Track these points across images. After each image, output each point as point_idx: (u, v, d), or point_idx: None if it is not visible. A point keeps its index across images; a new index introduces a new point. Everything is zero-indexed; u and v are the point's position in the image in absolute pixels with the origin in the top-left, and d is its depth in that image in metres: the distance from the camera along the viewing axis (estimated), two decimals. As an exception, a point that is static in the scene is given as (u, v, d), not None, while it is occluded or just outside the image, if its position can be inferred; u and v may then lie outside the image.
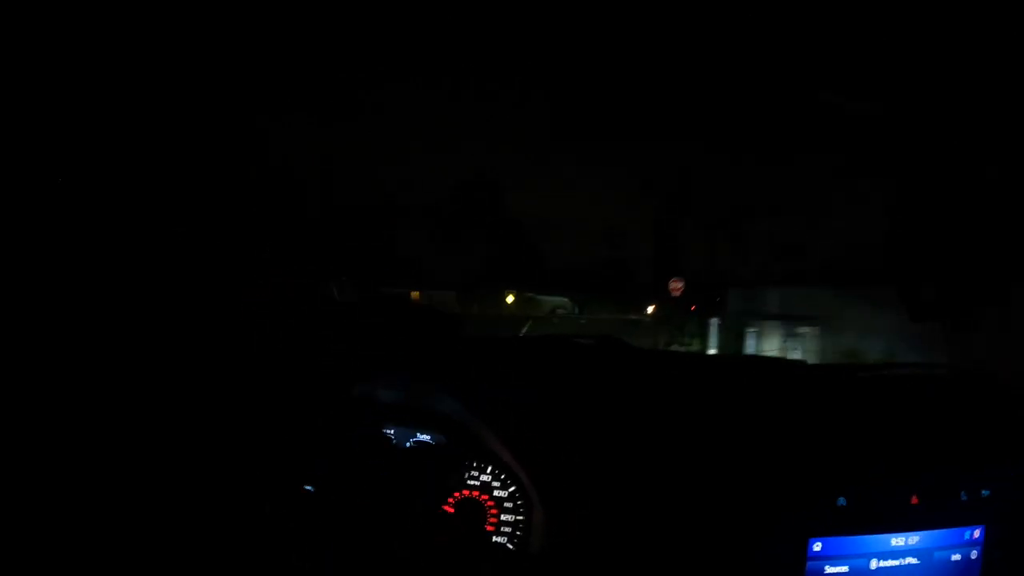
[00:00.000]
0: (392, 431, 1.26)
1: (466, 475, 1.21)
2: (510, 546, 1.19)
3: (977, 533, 1.17)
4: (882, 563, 1.10)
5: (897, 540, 1.10)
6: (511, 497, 1.20)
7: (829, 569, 1.06)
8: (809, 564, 1.05)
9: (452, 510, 1.20)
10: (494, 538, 1.19)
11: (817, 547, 1.05)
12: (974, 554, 1.17)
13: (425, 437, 1.25)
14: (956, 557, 1.15)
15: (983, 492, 1.16)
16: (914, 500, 1.10)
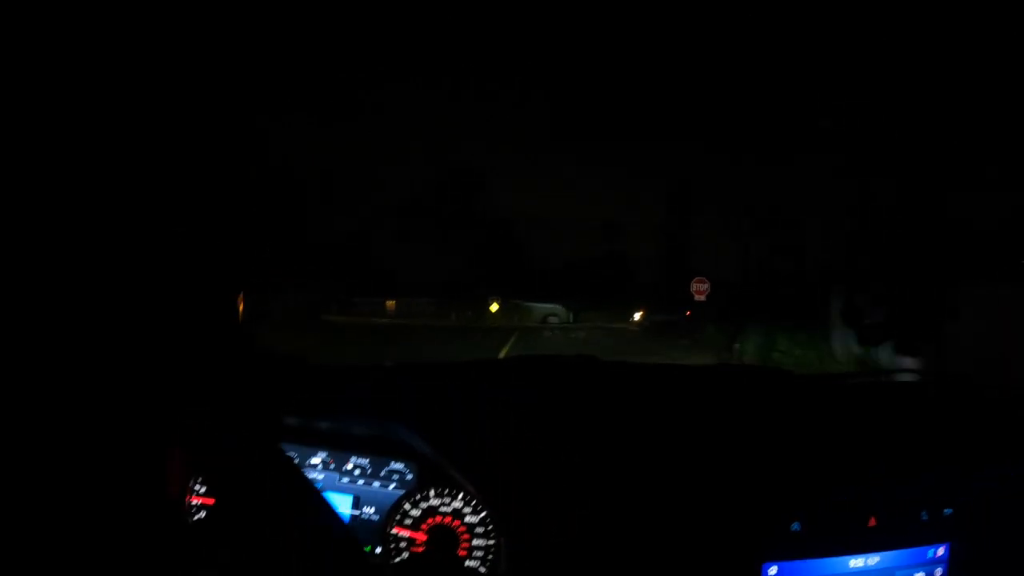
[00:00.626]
0: (367, 460, 1.30)
1: (439, 502, 1.25)
2: (482, 570, 1.23)
3: (941, 551, 1.18)
4: (841, 585, 1.11)
5: (856, 562, 1.12)
6: (482, 522, 1.23)
7: (786, 592, 1.08)
8: (764, 588, 1.07)
9: (425, 536, 1.24)
10: (467, 563, 1.23)
11: (772, 572, 1.07)
12: (938, 572, 1.18)
13: (399, 466, 1.29)
14: (920, 575, 1.17)
15: (945, 511, 1.17)
16: (871, 522, 1.12)
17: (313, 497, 0.96)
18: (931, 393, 1.39)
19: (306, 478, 0.99)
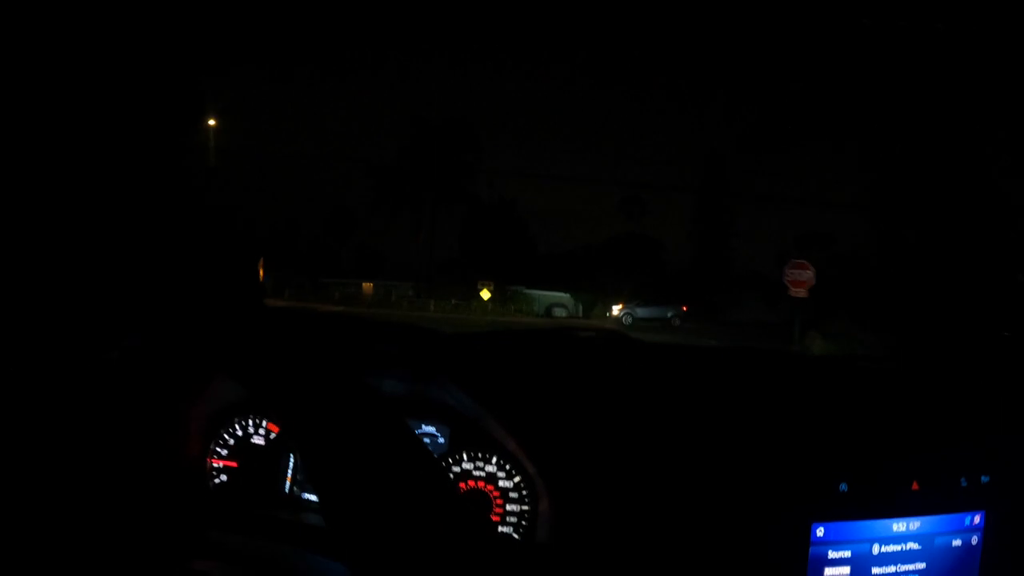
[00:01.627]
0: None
1: (472, 466, 1.23)
2: (516, 536, 1.20)
3: (977, 519, 1.18)
4: (884, 548, 1.11)
5: (899, 525, 1.12)
6: (516, 487, 1.21)
7: (832, 554, 1.08)
8: (812, 549, 1.06)
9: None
10: (500, 528, 1.21)
11: (820, 532, 1.06)
12: (974, 539, 1.18)
13: (430, 428, 1.26)
14: (957, 542, 1.17)
15: (983, 478, 1.17)
16: (915, 486, 1.12)
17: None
18: (969, 367, 1.40)
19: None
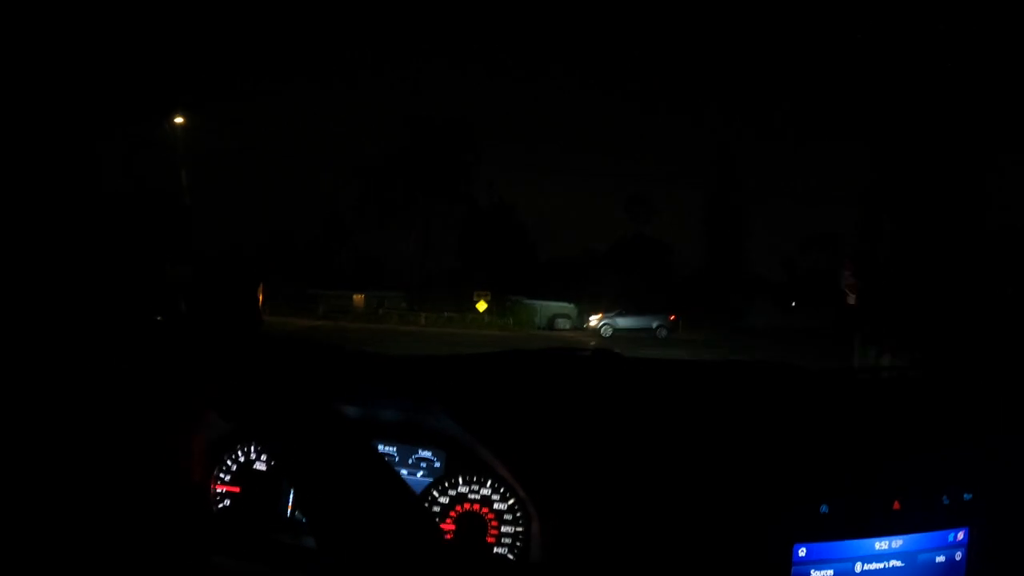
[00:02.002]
0: (394, 448, 1.31)
1: (467, 489, 1.27)
2: (511, 557, 1.24)
3: (961, 535, 1.20)
4: (867, 566, 1.14)
5: (881, 544, 1.14)
6: (511, 509, 1.25)
7: (814, 573, 1.10)
8: (794, 569, 1.09)
9: (454, 524, 1.25)
10: (495, 550, 1.24)
11: (802, 552, 1.09)
12: (958, 555, 1.21)
13: (427, 453, 1.30)
14: (940, 559, 1.19)
15: (965, 495, 1.20)
16: (896, 505, 1.14)
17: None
18: (946, 383, 1.42)
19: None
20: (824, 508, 1.10)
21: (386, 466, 0.93)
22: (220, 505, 1.35)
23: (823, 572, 1.11)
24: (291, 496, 1.34)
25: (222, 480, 1.35)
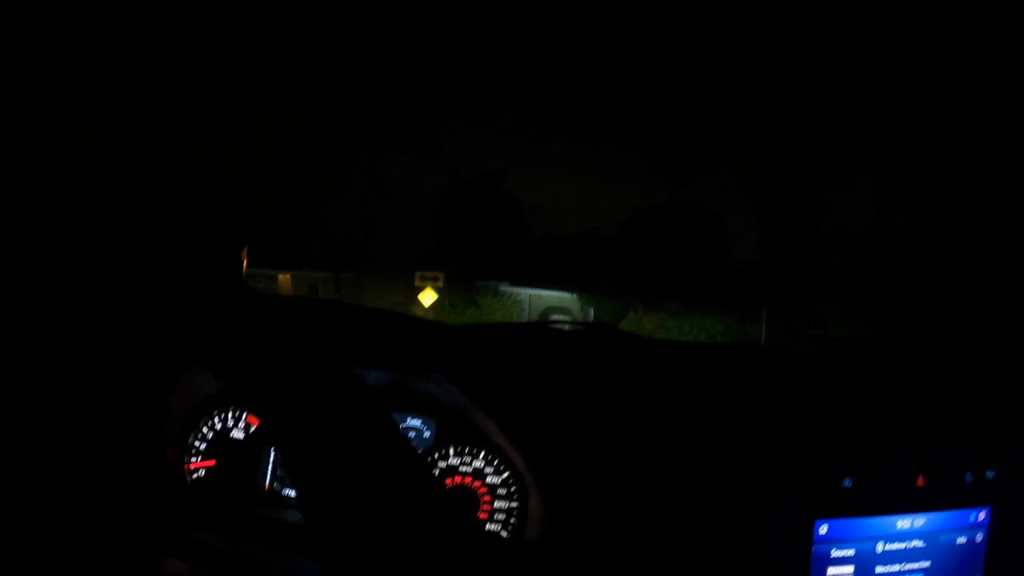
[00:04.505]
0: (381, 416, 1.22)
1: (459, 461, 1.18)
2: (504, 534, 1.15)
3: (982, 516, 1.15)
4: (888, 546, 1.07)
5: (903, 523, 1.08)
6: (505, 483, 1.16)
7: (835, 552, 1.04)
8: (815, 547, 1.02)
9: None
10: (487, 526, 1.16)
11: (823, 530, 1.02)
12: (979, 537, 1.15)
13: (416, 422, 1.21)
14: (961, 540, 1.13)
15: (988, 474, 1.14)
16: (920, 481, 1.08)
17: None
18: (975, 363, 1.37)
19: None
20: (847, 482, 1.03)
21: (402, 439, 0.84)
22: (195, 476, 1.25)
23: (844, 551, 1.04)
24: (270, 467, 1.25)
25: (197, 449, 1.25)
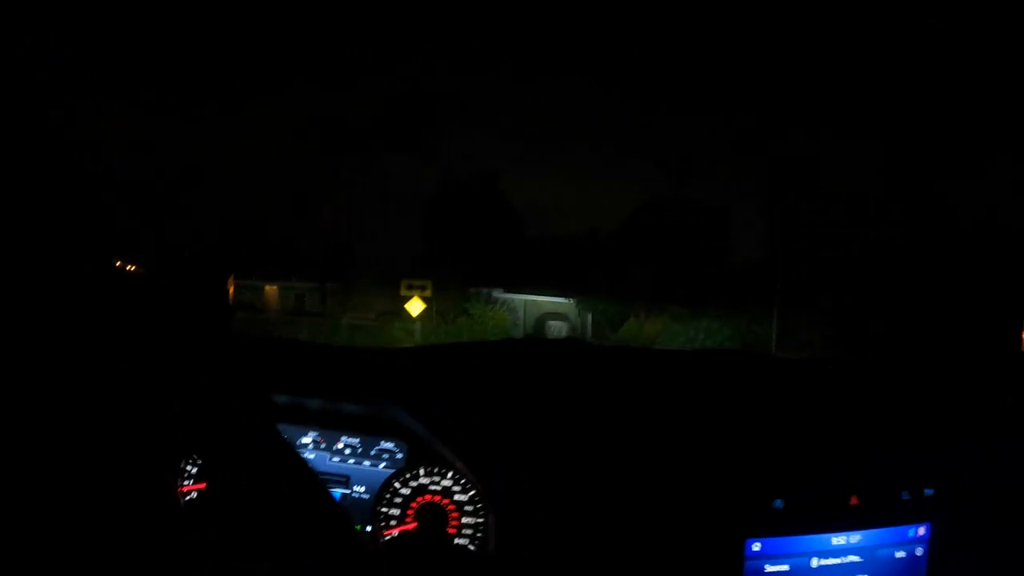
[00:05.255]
0: (357, 440, 1.31)
1: (428, 480, 1.27)
2: (471, 547, 1.24)
3: (922, 531, 1.19)
4: (823, 561, 1.13)
5: (838, 539, 1.14)
6: (471, 500, 1.25)
7: (769, 568, 1.10)
8: (748, 563, 1.09)
9: (415, 515, 1.25)
10: (456, 540, 1.25)
11: (756, 547, 1.09)
12: (919, 551, 1.20)
13: (389, 445, 1.31)
14: (900, 554, 1.19)
15: (926, 491, 1.19)
16: (853, 500, 1.14)
17: (307, 475, 0.97)
18: (904, 374, 1.42)
19: (300, 456, 1.00)
20: (778, 503, 1.10)
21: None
22: (187, 499, 1.35)
23: (778, 567, 1.11)
24: None
25: (189, 473, 1.35)
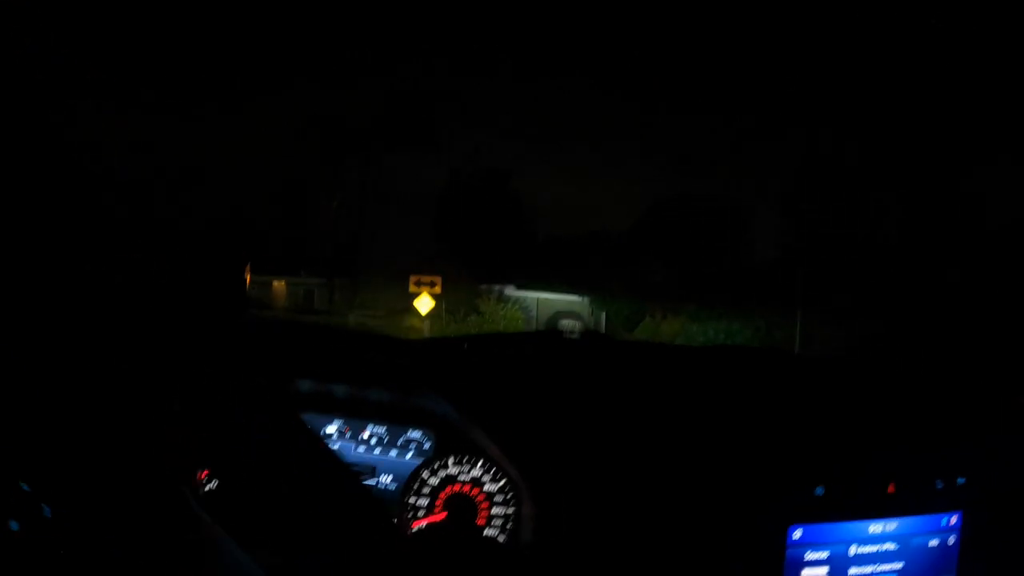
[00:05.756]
0: (383, 428, 1.29)
1: (457, 470, 1.25)
2: (501, 539, 1.22)
3: (954, 520, 1.20)
4: (860, 549, 1.13)
5: (875, 527, 1.14)
6: (501, 490, 1.23)
7: (809, 555, 1.10)
8: (789, 551, 1.08)
9: (443, 505, 1.23)
10: (485, 531, 1.23)
11: (797, 534, 1.09)
12: (951, 540, 1.20)
13: (416, 434, 1.28)
14: (933, 543, 1.19)
15: (959, 480, 1.20)
16: (891, 489, 1.14)
17: (329, 466, 0.93)
18: (940, 368, 1.42)
19: (324, 447, 0.97)
20: (819, 490, 1.09)
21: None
22: (207, 489, 1.32)
23: (818, 554, 1.10)
24: None
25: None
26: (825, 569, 1.11)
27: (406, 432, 1.28)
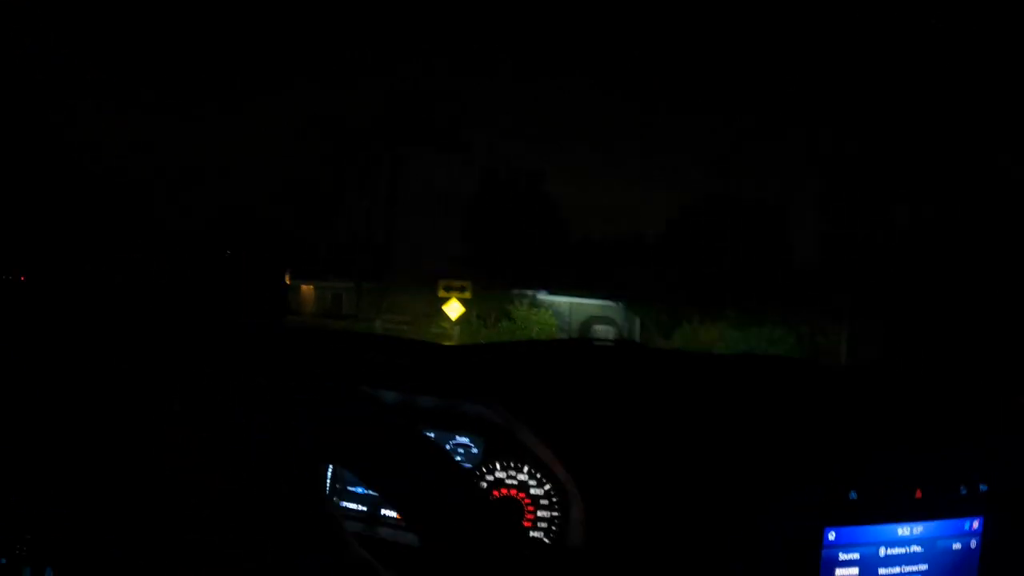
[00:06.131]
0: (432, 435, 1.35)
1: (505, 475, 1.31)
2: (546, 540, 1.28)
3: (976, 524, 1.27)
4: (890, 551, 1.20)
5: (903, 530, 1.21)
6: (547, 495, 1.29)
7: (842, 556, 1.16)
8: (824, 552, 1.15)
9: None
10: (531, 533, 1.29)
11: (832, 536, 1.15)
12: (973, 543, 1.27)
13: (465, 440, 1.34)
14: (957, 546, 1.26)
15: (981, 487, 1.27)
16: (918, 494, 1.21)
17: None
18: (965, 377, 1.49)
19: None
20: (853, 495, 1.16)
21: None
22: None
23: (850, 555, 1.17)
24: (328, 480, 1.37)
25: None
26: (856, 569, 1.18)
27: (455, 437, 1.34)
